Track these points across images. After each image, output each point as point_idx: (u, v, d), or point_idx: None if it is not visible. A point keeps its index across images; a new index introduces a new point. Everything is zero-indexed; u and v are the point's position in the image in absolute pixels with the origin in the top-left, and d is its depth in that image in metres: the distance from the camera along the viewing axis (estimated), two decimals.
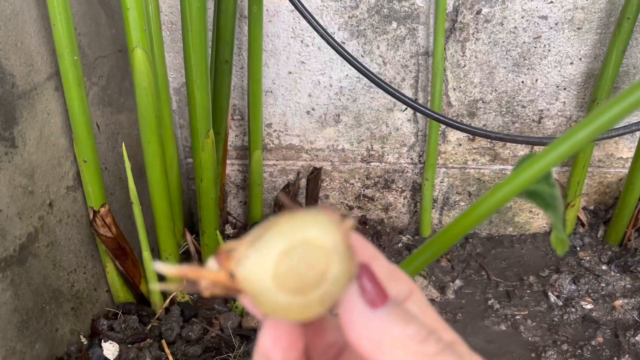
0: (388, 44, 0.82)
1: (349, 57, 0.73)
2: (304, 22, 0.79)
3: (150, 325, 0.71)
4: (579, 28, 0.77)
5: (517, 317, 0.75)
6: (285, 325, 0.21)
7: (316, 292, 0.20)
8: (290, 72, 0.85)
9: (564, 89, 0.82)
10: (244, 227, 0.95)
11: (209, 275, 0.20)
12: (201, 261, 0.78)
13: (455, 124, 0.73)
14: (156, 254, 0.72)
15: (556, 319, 0.74)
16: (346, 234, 0.20)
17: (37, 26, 0.59)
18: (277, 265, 0.19)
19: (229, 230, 0.93)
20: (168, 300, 0.72)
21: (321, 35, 0.69)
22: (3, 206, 0.55)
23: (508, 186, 0.29)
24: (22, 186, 0.58)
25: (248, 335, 0.71)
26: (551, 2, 0.76)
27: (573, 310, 0.75)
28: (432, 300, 0.79)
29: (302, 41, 0.82)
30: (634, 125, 0.71)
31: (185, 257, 0.82)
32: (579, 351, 0.69)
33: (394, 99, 0.84)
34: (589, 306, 0.75)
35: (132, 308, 0.72)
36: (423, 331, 0.20)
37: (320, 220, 0.20)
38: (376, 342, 0.20)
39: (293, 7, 0.78)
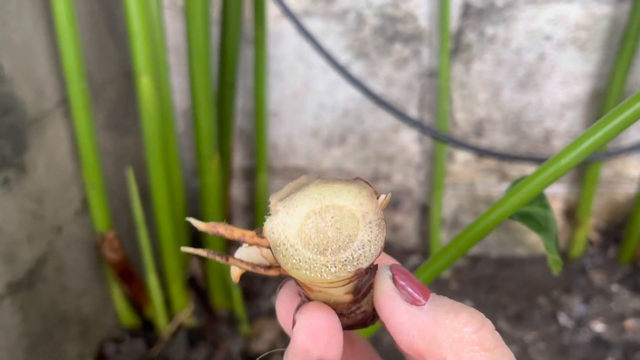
0: (392, 66, 0.82)
1: (354, 79, 0.74)
2: (308, 44, 0.80)
3: (156, 349, 0.71)
4: (582, 48, 0.77)
5: (527, 339, 0.74)
6: (324, 317, 0.20)
7: (341, 255, 0.19)
8: (295, 94, 0.86)
9: (570, 108, 0.82)
10: None
11: (238, 233, 0.20)
12: (207, 284, 0.79)
13: (461, 143, 0.73)
14: (162, 278, 0.72)
15: (567, 341, 0.73)
16: (378, 206, 0.20)
17: (47, 54, 0.61)
18: (304, 222, 0.19)
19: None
20: (174, 324, 0.72)
21: (325, 59, 0.70)
22: (13, 231, 0.56)
23: (500, 209, 0.29)
24: (31, 211, 0.59)
25: (254, 358, 0.71)
26: (554, 22, 0.76)
27: (584, 331, 0.74)
28: None
29: (306, 63, 0.83)
30: None
31: (191, 280, 0.82)
32: None
33: (399, 120, 0.84)
34: (600, 327, 0.74)
35: (139, 332, 0.72)
36: (477, 317, 0.19)
37: (351, 189, 0.20)
38: (430, 339, 0.19)
39: (297, 31, 0.79)
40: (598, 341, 0.72)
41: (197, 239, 0.95)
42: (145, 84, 0.60)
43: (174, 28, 0.82)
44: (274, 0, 0.73)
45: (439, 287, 0.85)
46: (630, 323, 0.74)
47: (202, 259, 0.82)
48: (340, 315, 0.21)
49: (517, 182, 0.30)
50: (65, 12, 0.55)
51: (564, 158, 0.28)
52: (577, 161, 0.28)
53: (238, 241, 0.20)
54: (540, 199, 0.32)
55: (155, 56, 0.65)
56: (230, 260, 0.21)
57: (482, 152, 0.77)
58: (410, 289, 0.20)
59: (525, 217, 0.31)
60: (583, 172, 0.84)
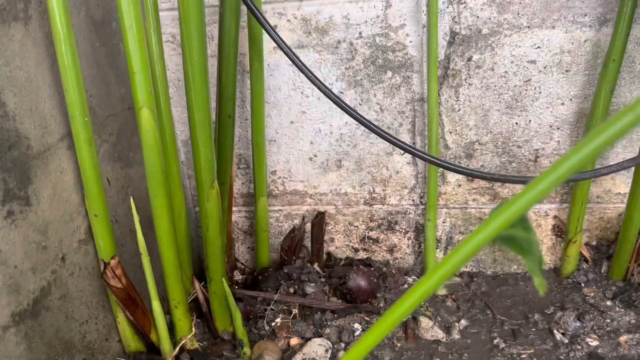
0: (384, 92, 0.85)
1: (347, 107, 0.76)
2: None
3: None
4: (567, 70, 0.80)
5: (523, 356, 0.75)
6: None
7: None
8: (292, 122, 0.88)
9: (558, 128, 0.84)
10: (251, 272, 0.96)
11: None
12: (210, 308, 0.80)
13: (450, 166, 0.76)
14: (165, 303, 0.74)
15: (562, 357, 0.75)
16: None
17: (51, 90, 0.63)
18: None
19: (237, 276, 0.95)
20: (178, 348, 0.74)
21: (319, 88, 0.73)
22: (18, 262, 0.58)
23: (482, 233, 0.31)
24: (35, 242, 0.61)
25: None
26: (538, 47, 0.79)
27: (579, 347, 0.75)
28: (437, 341, 0.79)
29: (302, 92, 0.86)
30: (626, 162, 0.73)
31: (194, 304, 0.83)
32: None
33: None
34: (595, 343, 0.76)
35: (143, 357, 0.73)
36: None
37: None
38: None
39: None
40: (593, 357, 0.74)
41: (200, 263, 0.97)
42: (145, 115, 0.62)
43: (175, 61, 0.85)
44: (269, 35, 0.76)
45: (436, 305, 0.87)
46: (624, 338, 0.75)
47: (205, 283, 0.84)
48: None
49: (498, 207, 0.32)
50: (68, 51, 0.58)
51: (540, 183, 0.30)
52: (553, 187, 0.30)
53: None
54: (522, 222, 0.34)
55: (156, 90, 0.68)
56: None
57: (472, 175, 0.79)
58: None
59: (508, 241, 0.32)
60: (573, 190, 0.86)
